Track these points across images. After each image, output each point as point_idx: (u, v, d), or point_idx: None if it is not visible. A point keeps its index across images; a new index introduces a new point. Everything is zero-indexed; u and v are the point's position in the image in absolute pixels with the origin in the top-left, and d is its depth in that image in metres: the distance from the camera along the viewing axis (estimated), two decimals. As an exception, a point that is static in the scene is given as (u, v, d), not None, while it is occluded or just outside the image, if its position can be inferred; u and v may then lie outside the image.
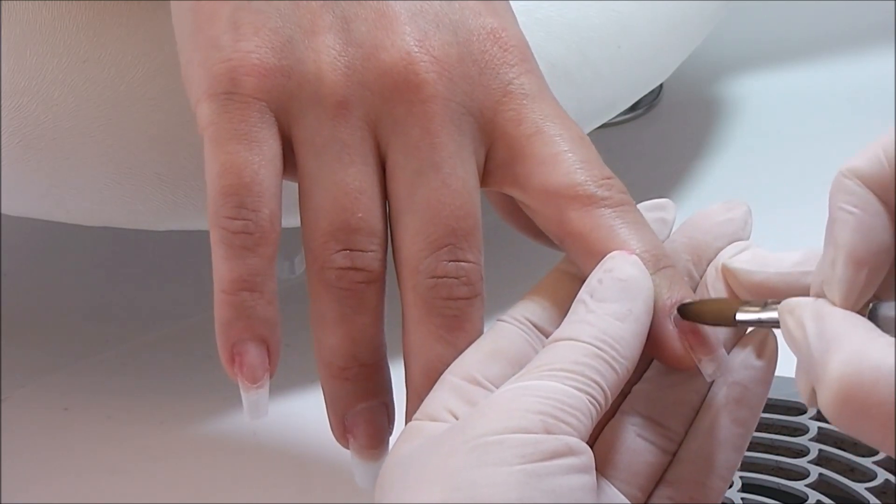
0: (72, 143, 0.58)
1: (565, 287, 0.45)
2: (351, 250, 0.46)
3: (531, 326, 0.45)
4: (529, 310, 0.45)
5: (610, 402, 0.42)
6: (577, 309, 0.43)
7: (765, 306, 0.42)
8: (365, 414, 0.47)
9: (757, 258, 0.45)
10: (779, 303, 0.41)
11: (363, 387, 0.47)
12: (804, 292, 0.41)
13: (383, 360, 0.48)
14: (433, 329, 0.46)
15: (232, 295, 0.46)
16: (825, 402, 0.37)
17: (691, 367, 0.44)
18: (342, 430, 0.48)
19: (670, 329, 0.44)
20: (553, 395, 0.40)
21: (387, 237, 0.47)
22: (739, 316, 0.43)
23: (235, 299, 0.46)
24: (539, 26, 0.66)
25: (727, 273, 0.45)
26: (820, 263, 0.40)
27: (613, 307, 0.43)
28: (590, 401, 0.41)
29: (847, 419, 0.37)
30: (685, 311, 0.44)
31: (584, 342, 0.42)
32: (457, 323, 0.46)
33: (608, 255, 0.45)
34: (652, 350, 0.44)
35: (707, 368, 0.44)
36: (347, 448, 0.48)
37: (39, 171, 0.59)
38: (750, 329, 0.45)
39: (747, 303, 0.43)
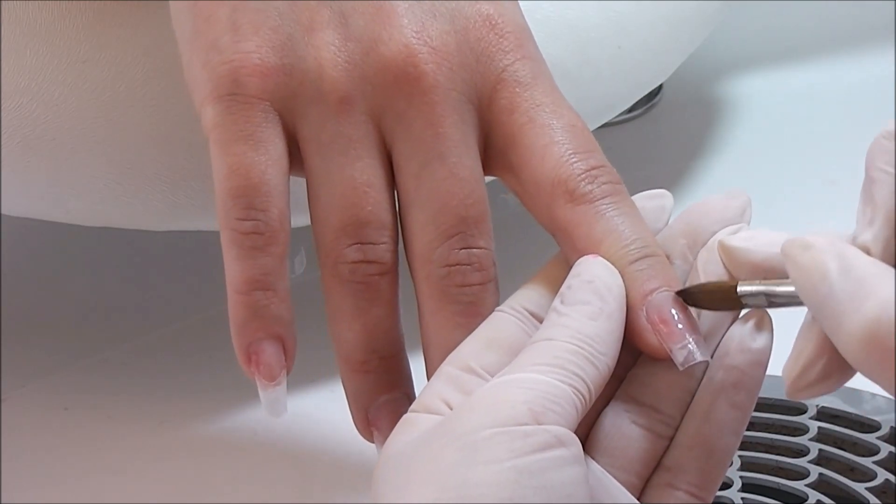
0: (72, 143, 0.58)
1: (563, 275, 0.45)
2: (362, 244, 0.47)
3: (528, 315, 0.45)
4: (527, 298, 0.45)
5: (594, 397, 0.42)
6: (549, 316, 0.43)
7: (764, 280, 0.42)
8: (388, 406, 0.48)
9: (755, 237, 0.44)
10: (776, 281, 0.41)
11: (384, 379, 0.48)
12: None
13: (402, 352, 0.48)
14: (450, 317, 0.46)
15: (246, 295, 0.47)
16: (851, 342, 0.37)
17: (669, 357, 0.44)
18: (366, 423, 0.48)
19: (643, 322, 0.44)
20: (538, 386, 0.40)
21: (397, 229, 0.48)
22: (741, 289, 0.42)
23: (249, 299, 0.47)
24: (539, 26, 0.66)
25: (724, 250, 0.44)
26: (858, 224, 0.40)
27: (585, 308, 0.43)
28: (574, 392, 0.41)
29: (873, 363, 0.37)
30: (686, 297, 0.44)
31: (561, 341, 0.42)
32: (473, 309, 0.46)
33: (577, 262, 0.45)
34: (633, 343, 0.44)
35: (678, 357, 0.43)
36: (371, 441, 0.48)
37: (39, 171, 0.59)
38: (745, 311, 0.44)
39: (746, 281, 0.43)
